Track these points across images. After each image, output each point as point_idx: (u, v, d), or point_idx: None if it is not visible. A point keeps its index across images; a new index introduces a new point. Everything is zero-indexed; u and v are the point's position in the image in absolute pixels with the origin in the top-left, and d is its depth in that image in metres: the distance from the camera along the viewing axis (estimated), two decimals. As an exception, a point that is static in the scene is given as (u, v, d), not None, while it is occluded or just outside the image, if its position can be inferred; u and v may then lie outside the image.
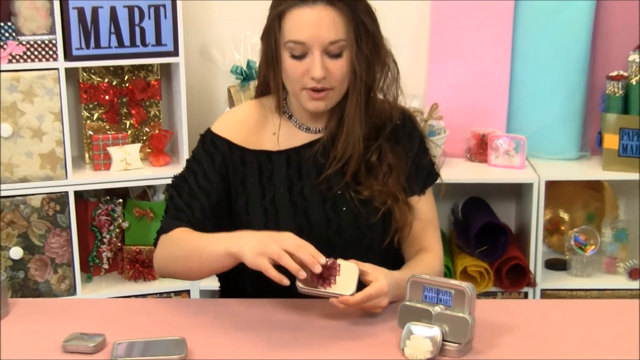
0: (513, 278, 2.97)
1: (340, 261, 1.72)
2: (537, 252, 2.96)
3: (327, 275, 1.71)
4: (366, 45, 1.89)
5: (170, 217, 1.94)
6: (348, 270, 1.71)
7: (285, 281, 1.65)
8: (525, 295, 2.99)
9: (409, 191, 1.98)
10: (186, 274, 1.92)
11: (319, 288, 1.71)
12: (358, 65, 1.88)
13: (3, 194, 2.76)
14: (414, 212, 1.97)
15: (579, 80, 3.07)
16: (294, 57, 1.88)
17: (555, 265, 3.12)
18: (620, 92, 2.92)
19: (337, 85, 1.89)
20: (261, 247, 1.68)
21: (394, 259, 1.97)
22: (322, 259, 1.69)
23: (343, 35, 1.86)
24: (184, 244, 1.86)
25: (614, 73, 2.93)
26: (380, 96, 1.98)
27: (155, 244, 1.96)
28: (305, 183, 1.95)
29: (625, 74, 2.93)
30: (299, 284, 1.70)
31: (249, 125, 2.00)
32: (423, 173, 2.01)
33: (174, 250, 1.88)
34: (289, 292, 1.77)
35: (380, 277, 1.74)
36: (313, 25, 1.85)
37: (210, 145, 1.98)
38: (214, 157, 1.96)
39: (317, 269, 1.68)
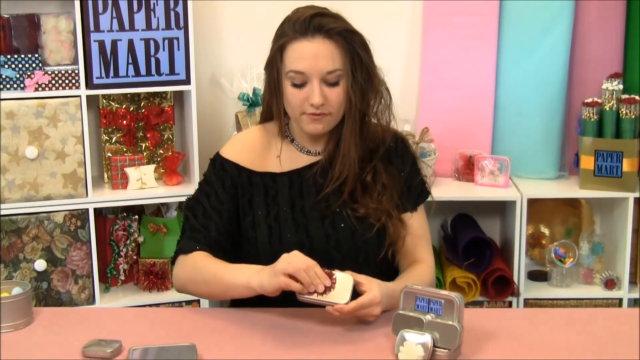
0: (498, 288, 2.95)
1: (336, 272, 1.72)
2: (520, 264, 2.95)
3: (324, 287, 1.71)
4: (361, 75, 1.90)
5: (188, 238, 1.93)
6: (344, 281, 1.71)
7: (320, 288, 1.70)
8: (510, 304, 2.97)
9: (402, 208, 1.98)
10: (206, 296, 1.93)
11: (317, 297, 1.71)
12: (353, 93, 1.89)
13: (28, 211, 2.75)
14: (407, 228, 1.97)
15: (558, 106, 3.07)
16: (295, 85, 1.88)
17: (537, 276, 3.10)
18: (595, 117, 2.91)
19: (334, 111, 1.90)
20: (276, 272, 1.69)
21: (388, 271, 1.97)
22: (327, 282, 1.69)
23: (340, 65, 1.87)
24: (205, 269, 1.86)
25: (589, 100, 2.93)
26: (374, 121, 1.98)
27: (172, 261, 1.96)
28: (306, 202, 1.95)
29: (600, 100, 2.92)
30: (299, 293, 1.70)
31: (255, 149, 2.00)
32: (415, 191, 2.01)
33: (195, 275, 1.88)
34: (291, 302, 1.76)
35: (374, 288, 1.74)
36: (312, 56, 1.86)
37: (220, 168, 1.98)
38: (224, 180, 1.96)
39: (320, 289, 1.69)
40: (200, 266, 1.87)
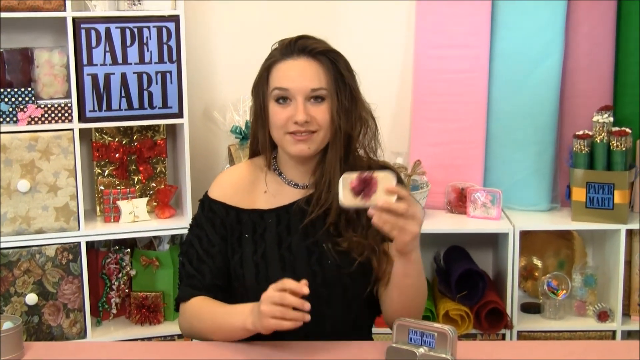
0: (491, 321, 2.95)
1: (376, 173, 1.68)
2: (513, 296, 2.94)
3: (366, 191, 1.68)
4: (345, 96, 1.90)
5: (185, 285, 1.95)
6: (385, 180, 1.67)
7: (307, 306, 1.66)
8: (503, 337, 2.97)
9: (387, 237, 1.94)
10: (210, 339, 1.92)
11: (361, 201, 1.68)
12: (337, 115, 1.89)
13: (20, 244, 2.74)
14: (392, 261, 1.93)
15: (549, 138, 3.09)
16: (279, 103, 1.89)
17: (530, 308, 3.10)
18: (586, 149, 2.93)
19: (319, 130, 1.89)
20: (260, 317, 1.69)
21: (377, 305, 1.95)
22: (307, 306, 1.67)
23: (324, 84, 1.89)
24: (204, 316, 1.88)
25: (580, 132, 2.95)
26: (361, 152, 1.98)
27: (176, 308, 1.98)
28: (293, 239, 1.93)
29: (591, 133, 2.94)
30: (342, 202, 1.68)
31: (242, 186, 1.99)
32: None
33: (197, 323, 1.90)
34: (284, 336, 1.75)
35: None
36: (297, 74, 1.88)
37: (208, 210, 1.98)
38: (213, 221, 1.96)
39: (296, 325, 1.67)
40: (199, 313, 1.89)
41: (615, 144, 2.89)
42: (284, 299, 1.66)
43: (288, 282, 1.68)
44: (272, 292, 1.69)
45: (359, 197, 1.68)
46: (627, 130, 2.89)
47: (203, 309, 1.89)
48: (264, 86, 1.92)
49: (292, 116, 1.87)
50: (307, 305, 1.66)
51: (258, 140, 1.99)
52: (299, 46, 1.90)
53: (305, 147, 1.89)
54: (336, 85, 1.89)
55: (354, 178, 1.69)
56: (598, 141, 2.91)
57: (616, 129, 2.90)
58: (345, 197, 1.69)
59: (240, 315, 1.79)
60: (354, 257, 1.89)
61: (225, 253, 1.95)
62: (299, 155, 1.91)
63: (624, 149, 2.88)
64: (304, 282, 1.69)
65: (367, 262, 1.90)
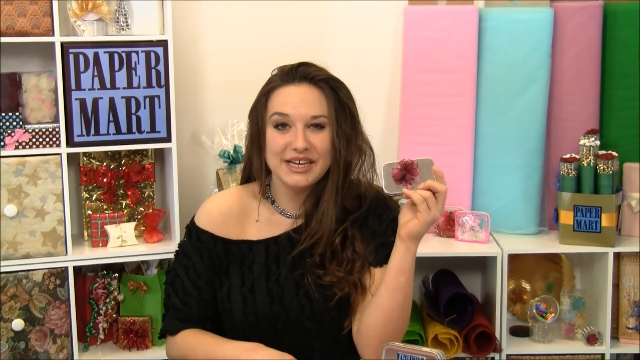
0: (480, 344, 2.94)
1: (416, 160, 1.77)
2: (502, 319, 2.94)
3: (408, 177, 1.76)
4: (345, 124, 1.88)
5: (172, 317, 1.92)
6: (426, 164, 1.78)
7: None
8: (492, 360, 2.97)
9: (369, 263, 1.92)
10: None
11: (404, 187, 1.77)
12: (339, 141, 1.86)
13: (7, 269, 2.73)
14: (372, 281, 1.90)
15: (536, 162, 3.10)
16: (278, 129, 1.86)
17: (519, 331, 3.10)
18: (573, 172, 2.94)
19: (319, 159, 1.86)
20: None
21: None
22: None
23: (325, 112, 1.86)
24: (197, 348, 1.86)
25: (567, 156, 2.96)
26: (356, 180, 1.97)
27: (160, 336, 1.96)
28: (282, 271, 1.90)
29: (577, 156, 2.96)
30: (387, 192, 1.78)
31: (231, 215, 1.95)
32: (384, 250, 1.91)
33: (188, 354, 1.87)
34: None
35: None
36: (297, 101, 1.85)
37: (195, 239, 1.94)
38: (201, 252, 1.93)
39: None
40: (191, 345, 1.86)
41: (602, 168, 2.90)
42: None
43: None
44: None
45: (402, 184, 1.76)
46: (614, 153, 2.91)
47: (195, 341, 1.85)
48: (262, 111, 1.89)
49: (290, 143, 1.84)
50: None
51: (252, 164, 1.95)
52: (301, 73, 1.88)
53: (302, 179, 1.86)
54: (337, 114, 1.87)
55: (395, 166, 1.77)
56: (585, 164, 2.93)
57: (603, 152, 2.92)
58: (388, 185, 1.76)
59: (236, 352, 1.77)
60: (335, 292, 1.86)
61: (212, 284, 1.92)
62: (295, 186, 1.88)
63: (610, 172, 2.90)
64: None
65: (346, 297, 1.87)
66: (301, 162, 1.85)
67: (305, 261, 1.90)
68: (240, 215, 1.96)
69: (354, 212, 1.93)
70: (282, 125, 1.86)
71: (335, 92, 1.88)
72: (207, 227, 1.94)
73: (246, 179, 2.02)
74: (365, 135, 1.95)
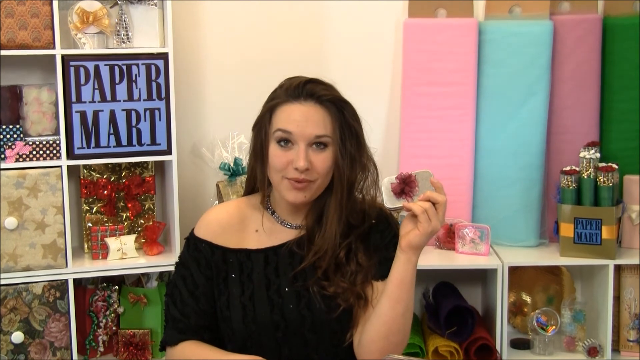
0: (481, 356, 2.93)
1: (414, 173, 1.80)
2: (503, 332, 2.93)
3: (407, 190, 1.78)
4: (350, 143, 1.87)
5: (171, 329, 1.92)
6: (424, 176, 1.80)
7: None
8: (493, 373, 2.96)
9: (372, 276, 1.92)
10: None
11: (404, 200, 1.80)
12: (342, 161, 1.86)
13: (7, 282, 2.72)
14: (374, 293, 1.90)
15: (536, 174, 3.10)
16: (280, 146, 1.85)
17: (520, 344, 3.09)
18: (574, 185, 2.94)
19: (319, 179, 1.86)
20: None
21: None
22: None
23: (329, 132, 1.85)
24: None
25: (567, 168, 2.97)
26: (359, 196, 1.96)
27: (161, 349, 1.96)
28: (282, 281, 1.90)
29: (577, 168, 2.96)
30: (388, 206, 1.81)
31: (230, 225, 1.96)
32: (386, 264, 1.91)
33: None
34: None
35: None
36: (301, 119, 1.84)
37: (194, 249, 1.95)
38: (199, 261, 1.93)
39: None
40: (189, 358, 1.86)
41: (602, 180, 2.90)
42: None
43: None
44: None
45: (402, 197, 1.78)
46: (614, 166, 2.91)
47: (194, 352, 1.85)
48: (266, 125, 1.88)
49: (292, 161, 1.83)
50: None
51: (255, 175, 1.95)
52: (307, 90, 1.86)
53: (301, 196, 1.87)
54: (341, 133, 1.86)
55: (394, 180, 1.79)
56: (585, 177, 2.93)
57: (603, 164, 2.92)
58: (388, 200, 1.78)
59: None
60: (339, 302, 1.86)
61: (211, 294, 1.92)
62: (294, 202, 1.89)
63: (610, 184, 2.90)
64: None
65: (349, 308, 1.88)
66: (301, 180, 1.86)
67: (306, 274, 1.90)
68: (239, 226, 1.96)
69: (358, 226, 1.94)
70: (285, 142, 1.85)
71: (341, 112, 1.87)
72: (206, 237, 1.95)
73: (250, 190, 2.03)
74: (369, 152, 1.95)
